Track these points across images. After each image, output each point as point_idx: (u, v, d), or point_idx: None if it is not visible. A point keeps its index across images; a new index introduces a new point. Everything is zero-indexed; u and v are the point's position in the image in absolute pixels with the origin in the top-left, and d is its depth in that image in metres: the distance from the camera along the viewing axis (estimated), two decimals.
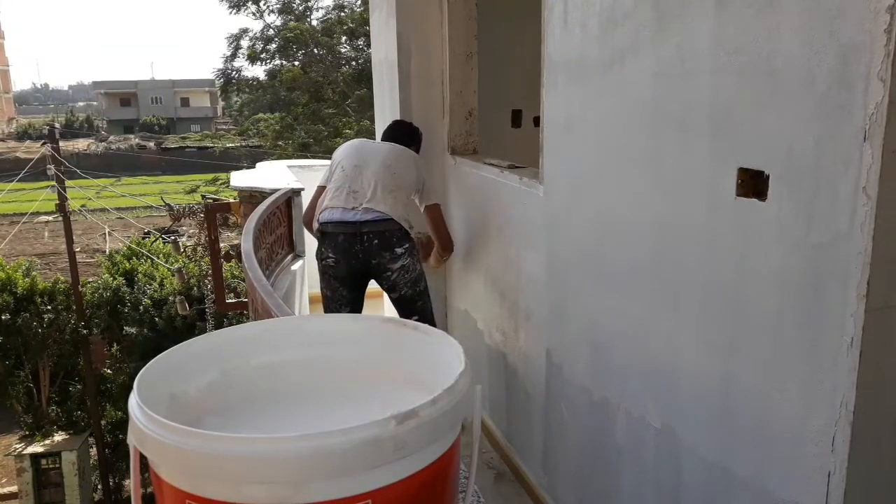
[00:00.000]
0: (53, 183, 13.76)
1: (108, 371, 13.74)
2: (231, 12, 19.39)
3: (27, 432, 13.41)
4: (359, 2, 19.17)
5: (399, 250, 3.08)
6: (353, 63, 19.32)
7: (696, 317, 1.77)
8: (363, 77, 17.32)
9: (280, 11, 19.83)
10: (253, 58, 19.82)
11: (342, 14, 19.76)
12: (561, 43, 2.42)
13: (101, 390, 13.60)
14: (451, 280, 3.88)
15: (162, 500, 0.99)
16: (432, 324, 3.02)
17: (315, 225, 3.20)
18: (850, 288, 1.30)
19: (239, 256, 4.35)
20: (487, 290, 3.31)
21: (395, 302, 3.23)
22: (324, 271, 3.16)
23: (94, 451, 13.71)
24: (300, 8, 20.02)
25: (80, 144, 42.09)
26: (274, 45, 19.65)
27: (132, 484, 1.06)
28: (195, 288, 12.64)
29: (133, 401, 1.00)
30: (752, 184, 1.52)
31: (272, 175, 6.08)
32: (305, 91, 18.95)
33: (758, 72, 1.50)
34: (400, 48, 3.68)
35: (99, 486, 13.67)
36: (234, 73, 20.91)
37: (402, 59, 3.70)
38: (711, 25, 1.63)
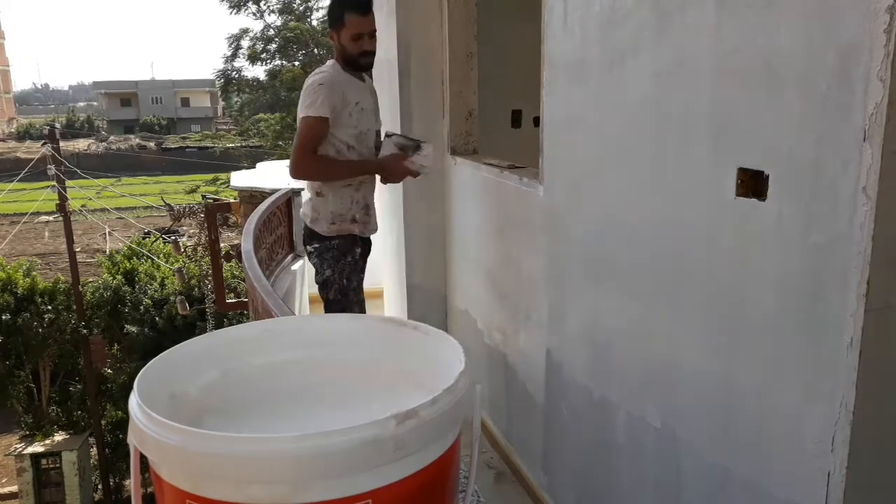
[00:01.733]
0: (54, 183, 13.78)
1: (109, 371, 13.75)
2: (231, 12, 19.43)
3: (27, 432, 13.43)
4: None
5: (308, 248, 2.93)
6: None
7: (696, 317, 1.77)
8: None
9: (280, 11, 19.85)
10: (253, 58, 19.86)
11: None
12: (561, 43, 2.42)
13: (102, 390, 13.61)
14: (451, 280, 3.88)
15: (162, 500, 0.99)
16: None
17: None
18: (849, 288, 1.30)
19: (239, 256, 4.35)
20: (487, 290, 3.31)
21: None
22: None
23: (94, 450, 13.73)
24: (300, 8, 20.04)
25: (81, 144, 42.10)
26: (274, 45, 19.67)
27: (132, 484, 1.06)
28: (195, 288, 12.65)
29: (133, 400, 1.00)
30: (752, 184, 1.52)
31: (272, 175, 6.09)
32: None
33: (758, 72, 1.50)
34: (400, 48, 3.69)
35: (99, 486, 13.69)
36: (235, 73, 20.94)
37: (402, 59, 3.70)
38: (711, 25, 1.63)
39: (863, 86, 1.24)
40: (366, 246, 3.05)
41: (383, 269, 4.62)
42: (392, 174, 2.90)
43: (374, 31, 2.77)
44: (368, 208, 2.95)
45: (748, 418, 1.60)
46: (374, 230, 3.05)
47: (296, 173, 2.75)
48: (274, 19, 19.80)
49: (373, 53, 2.80)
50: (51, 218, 23.92)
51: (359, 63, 2.78)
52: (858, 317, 1.29)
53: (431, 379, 1.09)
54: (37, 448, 12.82)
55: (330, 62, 2.85)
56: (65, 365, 13.90)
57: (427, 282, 3.87)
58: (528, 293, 2.82)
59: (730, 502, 1.68)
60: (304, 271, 5.02)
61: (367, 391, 1.24)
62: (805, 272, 1.41)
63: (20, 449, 12.87)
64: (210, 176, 25.81)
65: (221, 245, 6.53)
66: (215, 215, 6.33)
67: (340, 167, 2.81)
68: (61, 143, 16.01)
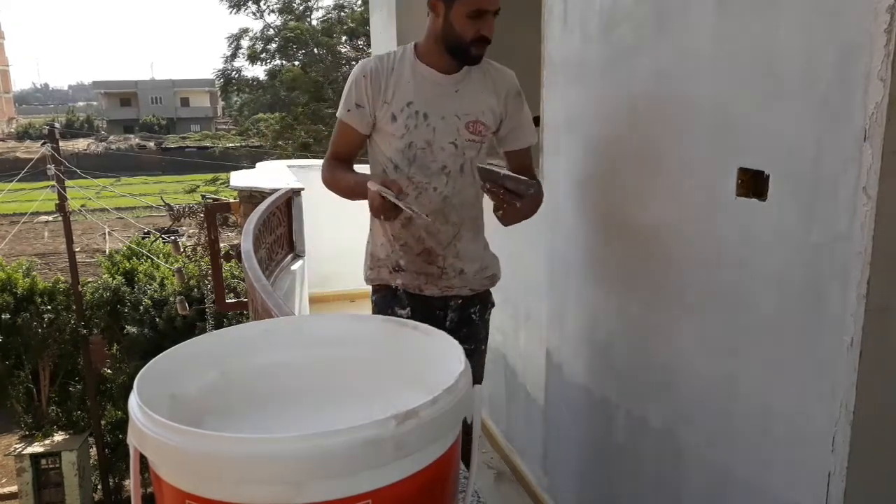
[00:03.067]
0: (53, 183, 13.77)
1: (109, 371, 13.75)
2: (231, 12, 19.42)
3: (27, 432, 13.42)
4: (359, 2, 19.19)
5: None
6: (353, 63, 19.35)
7: (696, 317, 1.77)
8: None
9: (280, 11, 19.84)
10: (253, 58, 19.85)
11: (342, 14, 19.79)
12: (561, 43, 2.42)
13: (101, 390, 13.61)
14: None
15: (162, 500, 0.99)
16: None
17: None
18: (850, 288, 1.30)
19: (239, 256, 4.35)
20: None
21: None
22: None
23: (94, 451, 13.71)
24: (300, 8, 20.04)
25: (80, 144, 42.11)
26: (274, 45, 19.67)
27: (132, 484, 1.06)
28: (195, 288, 12.65)
29: (133, 401, 1.00)
30: (752, 184, 1.52)
31: (272, 175, 6.08)
32: (305, 91, 18.95)
33: (758, 72, 1.50)
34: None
35: (99, 486, 13.68)
36: (235, 73, 20.94)
37: None
38: (711, 25, 1.63)
39: (863, 86, 1.24)
40: (432, 305, 2.05)
41: None
42: (371, 203, 1.81)
43: (499, 10, 1.88)
44: (432, 255, 1.99)
45: (748, 418, 1.60)
46: (468, 286, 2.07)
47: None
48: (274, 19, 19.81)
49: (488, 42, 1.91)
50: (50, 218, 23.91)
51: (469, 53, 1.91)
52: (858, 317, 1.29)
53: (431, 379, 1.09)
54: (36, 448, 12.81)
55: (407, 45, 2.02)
56: (65, 365, 13.90)
57: None
58: (528, 293, 2.82)
59: (730, 502, 1.68)
60: (303, 271, 5.02)
61: (367, 391, 1.24)
62: (805, 272, 1.41)
63: (20, 449, 12.86)
64: (210, 176, 25.80)
65: (221, 245, 6.53)
66: (215, 215, 6.33)
67: (341, 182, 1.99)
68: (61, 143, 16.01)
